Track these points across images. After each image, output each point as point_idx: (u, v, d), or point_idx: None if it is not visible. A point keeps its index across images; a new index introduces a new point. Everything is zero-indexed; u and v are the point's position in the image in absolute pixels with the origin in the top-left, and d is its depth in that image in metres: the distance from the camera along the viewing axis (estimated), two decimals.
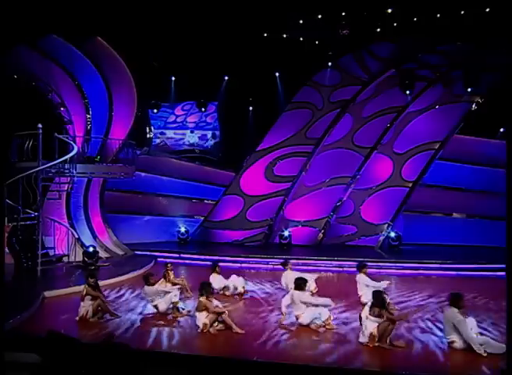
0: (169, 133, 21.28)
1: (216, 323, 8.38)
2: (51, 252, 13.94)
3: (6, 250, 11.99)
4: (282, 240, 17.35)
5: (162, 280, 10.57)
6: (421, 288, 11.94)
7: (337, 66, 18.20)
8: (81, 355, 4.69)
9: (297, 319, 8.71)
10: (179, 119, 21.39)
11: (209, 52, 17.45)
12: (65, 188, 14.33)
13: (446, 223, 17.74)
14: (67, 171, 13.58)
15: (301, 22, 16.72)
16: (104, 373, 4.52)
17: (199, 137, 21.41)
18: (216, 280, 10.93)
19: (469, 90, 17.19)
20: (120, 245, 15.87)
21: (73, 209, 14.93)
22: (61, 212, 14.58)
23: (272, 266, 14.37)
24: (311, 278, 10.27)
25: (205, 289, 8.60)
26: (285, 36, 17.75)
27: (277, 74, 19.90)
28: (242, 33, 16.79)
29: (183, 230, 18.14)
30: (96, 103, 15.41)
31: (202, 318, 8.34)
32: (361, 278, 10.41)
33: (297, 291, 8.72)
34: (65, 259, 14.04)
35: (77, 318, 8.98)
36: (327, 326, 8.53)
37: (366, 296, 9.63)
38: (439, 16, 15.67)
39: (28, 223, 13.04)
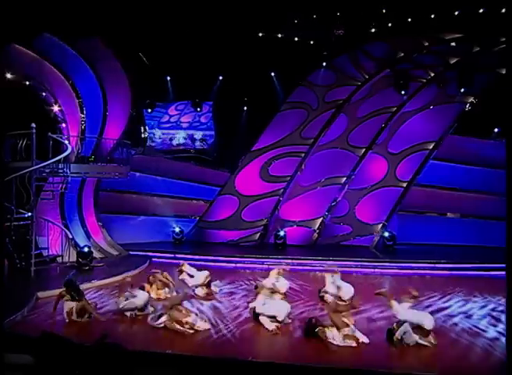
0: (158, 133, 21.19)
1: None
2: (45, 253, 13.81)
3: None
4: (277, 240, 17.34)
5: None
6: (416, 288, 11.88)
7: (332, 66, 18.15)
8: (75, 356, 4.66)
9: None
10: (172, 119, 21.32)
11: (204, 52, 17.42)
12: (59, 188, 14.21)
13: (440, 222, 17.76)
14: (61, 171, 13.48)
15: (296, 22, 16.75)
16: (98, 373, 4.49)
17: (192, 137, 21.38)
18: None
19: (462, 90, 17.28)
20: (115, 245, 15.78)
21: (67, 209, 14.84)
22: (55, 212, 14.47)
23: (266, 266, 14.33)
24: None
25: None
26: (280, 36, 17.77)
27: (272, 74, 19.90)
28: (237, 33, 16.79)
29: (177, 230, 18.07)
30: (90, 102, 15.31)
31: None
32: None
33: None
34: (59, 260, 13.93)
35: (66, 318, 8.94)
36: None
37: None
38: (433, 16, 15.75)
39: (22, 223, 12.93)
